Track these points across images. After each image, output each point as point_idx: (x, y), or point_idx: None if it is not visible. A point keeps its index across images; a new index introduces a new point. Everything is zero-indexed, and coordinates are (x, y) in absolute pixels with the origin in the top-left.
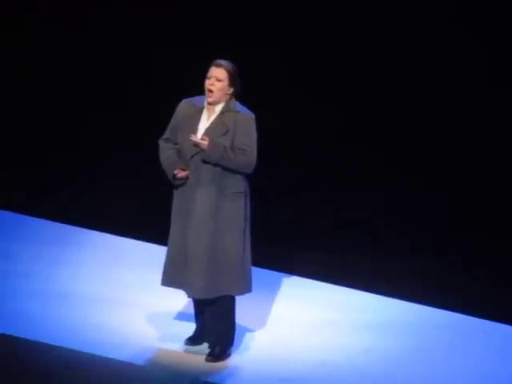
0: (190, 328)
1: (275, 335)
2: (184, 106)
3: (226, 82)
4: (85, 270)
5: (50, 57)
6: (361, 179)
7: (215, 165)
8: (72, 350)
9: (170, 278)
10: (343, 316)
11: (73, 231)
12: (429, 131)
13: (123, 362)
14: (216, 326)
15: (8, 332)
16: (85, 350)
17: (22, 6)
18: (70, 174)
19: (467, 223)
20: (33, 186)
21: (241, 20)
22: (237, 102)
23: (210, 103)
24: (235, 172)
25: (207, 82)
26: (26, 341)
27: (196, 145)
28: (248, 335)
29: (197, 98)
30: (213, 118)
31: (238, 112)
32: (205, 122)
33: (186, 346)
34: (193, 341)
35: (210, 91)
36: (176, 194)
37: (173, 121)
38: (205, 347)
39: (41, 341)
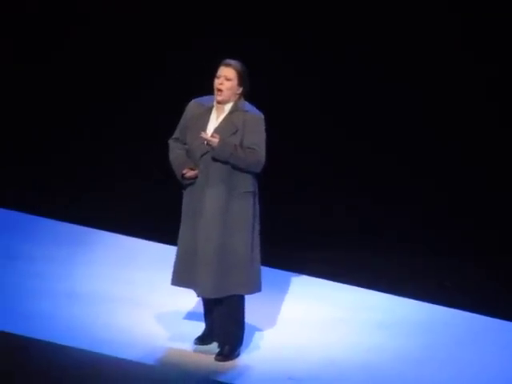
0: (199, 327)
1: (284, 334)
2: (193, 105)
3: (235, 82)
4: (96, 270)
5: (52, 56)
6: (375, 178)
7: (225, 163)
8: (82, 350)
9: (180, 277)
10: (353, 315)
11: (84, 231)
12: (434, 131)
13: (133, 361)
14: (225, 326)
15: (19, 332)
16: (95, 349)
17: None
18: (82, 174)
19: (477, 222)
20: (44, 187)
21: (248, 19)
22: (246, 102)
23: (219, 102)
24: (244, 171)
25: (216, 82)
26: (37, 341)
27: (206, 143)
28: (257, 334)
29: (206, 98)
30: (222, 117)
31: (247, 111)
32: (214, 122)
33: (196, 346)
34: (202, 340)
35: (220, 90)
36: (185, 193)
37: (182, 121)
38: (214, 347)
39: (52, 341)
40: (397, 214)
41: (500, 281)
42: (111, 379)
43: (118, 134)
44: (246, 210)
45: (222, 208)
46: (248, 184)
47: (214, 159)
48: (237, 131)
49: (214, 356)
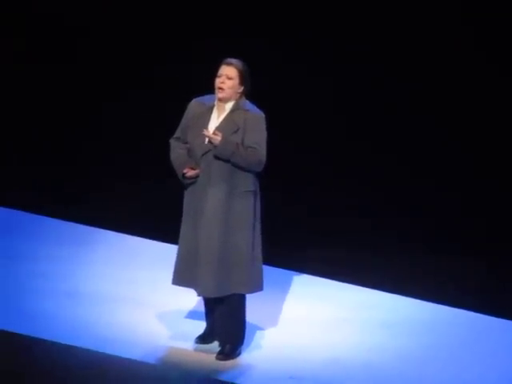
0: (200, 326)
1: (286, 333)
2: (194, 105)
3: (236, 81)
4: (98, 270)
5: (52, 56)
6: (373, 178)
7: (226, 161)
8: (85, 349)
9: (181, 276)
10: (356, 314)
11: (87, 231)
12: (435, 131)
13: (134, 360)
14: (226, 325)
15: (23, 332)
16: (97, 348)
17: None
18: (85, 173)
19: (479, 221)
20: (46, 186)
21: (250, 19)
22: (247, 101)
23: (220, 99)
24: (245, 170)
25: (217, 80)
26: (40, 340)
27: (208, 141)
28: (258, 333)
29: (207, 97)
30: (223, 116)
31: (248, 110)
32: (215, 121)
33: (197, 345)
34: (203, 339)
35: (221, 89)
36: (187, 192)
37: (183, 120)
38: (215, 345)
39: (55, 340)
40: (400, 214)
41: (503, 280)
42: (113, 378)
43: (119, 134)
44: (247, 209)
45: (223, 207)
46: (249, 183)
47: (216, 157)
48: (238, 130)
49: (215, 355)
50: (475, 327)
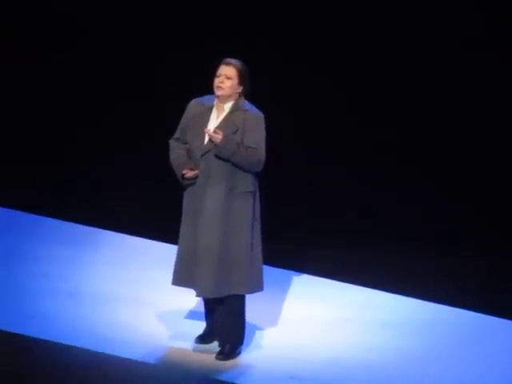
0: (200, 326)
1: (286, 333)
2: (193, 105)
3: (235, 81)
4: (99, 270)
5: (52, 57)
6: (373, 177)
7: (226, 160)
8: (86, 350)
9: (181, 277)
10: (357, 314)
11: (87, 231)
12: (435, 131)
13: (134, 360)
14: (226, 325)
15: (23, 332)
16: (98, 349)
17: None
18: (84, 174)
19: (480, 221)
20: (49, 187)
21: (250, 19)
22: (246, 101)
23: (219, 97)
24: (244, 170)
25: (216, 80)
26: (41, 340)
27: (208, 140)
28: (258, 333)
29: (206, 98)
30: (222, 116)
31: (247, 111)
32: (214, 121)
33: (196, 345)
34: (203, 339)
35: (220, 87)
36: (186, 193)
37: (183, 120)
38: (215, 345)
39: (55, 340)
40: (401, 214)
41: (504, 280)
42: (114, 378)
43: (120, 134)
44: (246, 209)
45: (223, 207)
46: (248, 184)
47: (217, 157)
48: (237, 130)
49: (214, 355)
50: (476, 327)
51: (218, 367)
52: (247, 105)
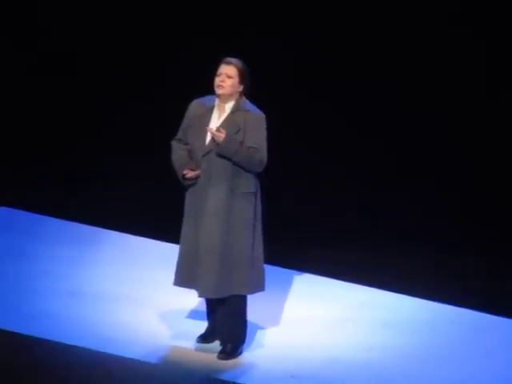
0: (201, 326)
1: (287, 333)
2: (194, 105)
3: (236, 79)
4: (101, 269)
5: (52, 57)
6: (373, 177)
7: (228, 160)
8: (88, 349)
9: (182, 278)
10: (358, 314)
11: (89, 231)
12: (435, 131)
13: (136, 360)
14: (228, 324)
15: (24, 331)
16: (100, 348)
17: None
18: (89, 173)
19: (482, 221)
20: (51, 186)
21: (251, 19)
22: (247, 101)
23: (220, 96)
24: (246, 170)
25: (217, 79)
26: (42, 340)
27: (211, 139)
28: (260, 333)
29: (207, 98)
30: (223, 116)
31: (249, 111)
32: (215, 121)
33: (198, 344)
34: (204, 338)
35: (221, 86)
36: (188, 193)
37: (184, 121)
38: (216, 345)
39: (57, 340)
40: (402, 214)
41: (505, 279)
42: (115, 378)
43: (121, 134)
44: (247, 209)
45: (224, 207)
46: (250, 184)
47: (219, 155)
48: (239, 130)
49: (216, 354)
50: (477, 326)
51: (219, 366)
52: (248, 105)
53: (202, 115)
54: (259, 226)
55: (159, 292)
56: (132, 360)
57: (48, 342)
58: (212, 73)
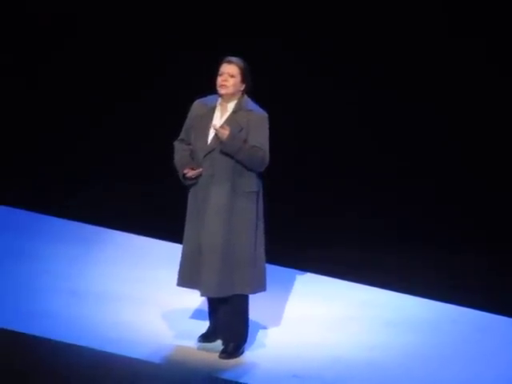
0: (203, 325)
1: (289, 332)
2: (196, 106)
3: (238, 78)
4: (103, 269)
5: (52, 57)
6: (373, 177)
7: (231, 158)
8: (90, 349)
9: (185, 278)
10: (360, 313)
11: (92, 230)
12: (435, 131)
13: (138, 359)
14: (230, 324)
15: (27, 331)
16: (102, 348)
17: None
18: (92, 173)
19: (482, 220)
20: (53, 186)
21: (252, 19)
22: (249, 100)
23: (223, 95)
24: (248, 169)
25: (220, 79)
26: (45, 339)
27: (214, 136)
28: (262, 332)
29: (209, 98)
30: (226, 116)
31: (252, 111)
32: (218, 121)
33: (200, 343)
34: (206, 338)
35: (224, 86)
36: (190, 193)
37: (187, 121)
38: (218, 344)
39: (59, 339)
40: (402, 213)
41: (507, 278)
42: (118, 377)
43: (122, 133)
44: (249, 209)
45: (226, 207)
46: (252, 184)
47: (222, 153)
48: (241, 130)
49: (218, 354)
50: (480, 325)
51: (221, 366)
52: (251, 104)
53: (204, 115)
54: (261, 225)
55: (161, 291)
56: (134, 359)
57: (50, 341)
58: (212, 72)
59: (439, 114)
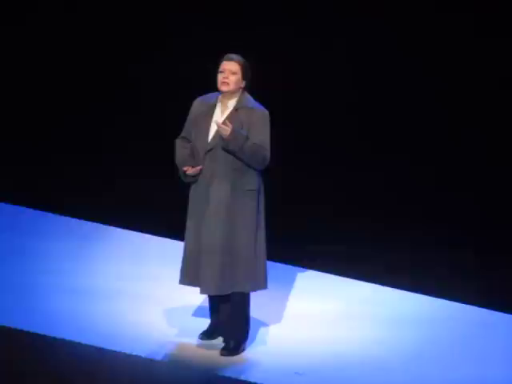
0: (204, 322)
1: (290, 329)
2: (197, 103)
3: (239, 75)
4: (104, 266)
5: (52, 56)
6: (373, 176)
7: (232, 154)
8: (89, 346)
9: (188, 276)
10: (360, 310)
11: (92, 227)
12: (435, 131)
13: (138, 356)
14: (231, 321)
15: (28, 329)
16: (101, 345)
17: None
18: (91, 170)
19: (482, 219)
20: (54, 184)
21: (250, 18)
22: (249, 97)
23: (225, 93)
24: (249, 167)
25: (221, 76)
26: (44, 337)
27: (215, 133)
28: (263, 329)
29: (209, 95)
30: (226, 113)
31: (253, 108)
32: (218, 118)
33: (201, 341)
34: (207, 335)
35: (226, 83)
36: (191, 191)
37: (188, 119)
38: (219, 341)
39: (59, 336)
40: (403, 211)
41: (507, 275)
42: (118, 374)
43: (123, 133)
44: (250, 207)
45: (227, 205)
46: (253, 182)
47: (224, 149)
48: (242, 128)
49: (219, 351)
50: (480, 322)
51: (222, 363)
52: (252, 101)
53: (204, 113)
54: (262, 223)
55: (162, 289)
56: (134, 356)
57: (50, 338)
58: (213, 70)
59: (439, 113)
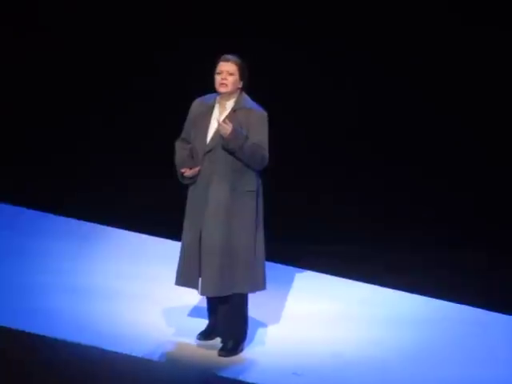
0: (202, 323)
1: (289, 329)
2: (196, 104)
3: (237, 76)
4: (102, 266)
5: (52, 55)
6: (373, 176)
7: (231, 154)
8: (88, 346)
9: (184, 277)
10: (359, 310)
11: (91, 227)
12: (435, 130)
13: (136, 356)
14: (229, 321)
15: (27, 329)
16: (100, 345)
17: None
18: (90, 171)
19: (483, 218)
20: (53, 184)
21: (250, 17)
22: (247, 97)
23: (223, 94)
24: (248, 167)
25: (219, 78)
26: (43, 337)
27: (215, 133)
28: (261, 329)
29: (208, 96)
30: (225, 114)
31: (251, 109)
32: (217, 119)
33: (199, 341)
34: (205, 335)
35: (224, 84)
36: (189, 191)
37: (187, 120)
38: (217, 342)
39: (58, 337)
40: (402, 211)
41: (506, 276)
42: (116, 374)
43: (123, 133)
44: (248, 208)
45: (226, 206)
46: (251, 183)
47: (224, 149)
48: (241, 128)
49: (217, 351)
50: (479, 323)
51: (220, 363)
52: (250, 102)
53: (203, 114)
54: (261, 224)
55: (161, 289)
56: (133, 357)
57: (49, 339)
58: (210, 71)
59: (439, 112)
